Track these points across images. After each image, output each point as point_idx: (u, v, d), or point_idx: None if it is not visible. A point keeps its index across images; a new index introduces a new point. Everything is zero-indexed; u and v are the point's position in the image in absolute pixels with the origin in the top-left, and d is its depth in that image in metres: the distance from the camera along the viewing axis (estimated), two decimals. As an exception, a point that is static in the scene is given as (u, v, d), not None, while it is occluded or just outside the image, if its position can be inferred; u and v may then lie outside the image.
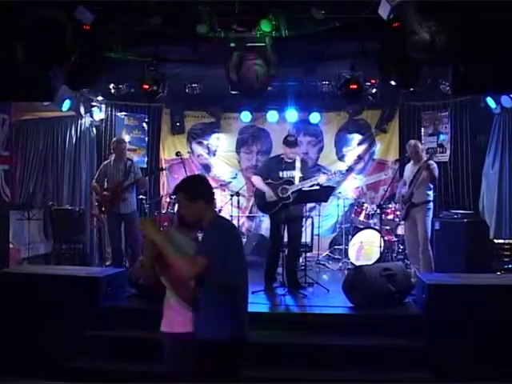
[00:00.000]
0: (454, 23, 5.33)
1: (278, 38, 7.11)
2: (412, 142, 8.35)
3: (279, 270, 7.82)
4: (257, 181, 7.68)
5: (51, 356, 5.82)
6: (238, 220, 10.30)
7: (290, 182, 7.43)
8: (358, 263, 8.80)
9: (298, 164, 7.53)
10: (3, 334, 6.11)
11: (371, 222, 9.64)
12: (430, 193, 7.92)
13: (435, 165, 7.97)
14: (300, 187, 7.43)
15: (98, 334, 5.99)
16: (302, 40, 7.26)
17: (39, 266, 8.68)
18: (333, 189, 8.70)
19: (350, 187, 11.04)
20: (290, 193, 7.37)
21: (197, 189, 3.85)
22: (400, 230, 9.27)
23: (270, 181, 7.53)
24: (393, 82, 6.63)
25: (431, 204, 7.91)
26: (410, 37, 5.43)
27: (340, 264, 9.74)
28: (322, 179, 7.56)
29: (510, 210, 8.75)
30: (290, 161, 7.56)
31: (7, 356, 5.98)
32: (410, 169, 8.21)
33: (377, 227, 9.13)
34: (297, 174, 7.47)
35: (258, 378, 5.36)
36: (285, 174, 7.50)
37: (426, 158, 8.01)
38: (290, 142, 7.56)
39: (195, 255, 3.64)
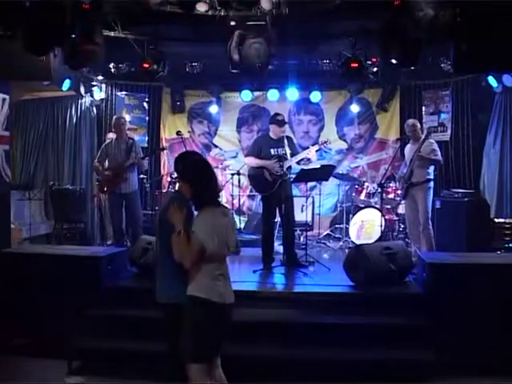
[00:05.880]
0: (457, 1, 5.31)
1: (278, 16, 7.07)
2: (410, 121, 8.29)
3: (280, 248, 7.87)
4: (252, 160, 7.67)
5: (52, 335, 5.86)
6: (239, 199, 10.32)
7: (283, 158, 7.46)
8: (358, 242, 8.82)
9: (285, 141, 7.56)
10: (4, 313, 6.15)
11: (372, 200, 9.64)
12: (431, 171, 7.89)
13: (435, 144, 7.93)
14: (294, 162, 7.53)
15: (99, 313, 6.00)
16: (302, 18, 7.20)
17: (40, 245, 8.70)
18: (334, 167, 8.74)
19: (351, 166, 11.07)
20: (285, 169, 7.42)
21: (185, 171, 4.02)
22: (401, 209, 9.29)
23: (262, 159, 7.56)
24: (394, 61, 6.57)
25: (431, 183, 7.88)
26: (414, 14, 5.40)
27: (341, 243, 9.77)
28: (312, 150, 7.58)
29: (511, 189, 8.75)
30: (277, 138, 7.59)
31: (8, 335, 6.03)
32: (409, 148, 8.18)
33: (378, 206, 9.14)
34: (287, 150, 7.51)
35: (258, 357, 5.41)
36: (276, 152, 7.52)
37: (423, 137, 7.95)
38: (280, 121, 7.58)
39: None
